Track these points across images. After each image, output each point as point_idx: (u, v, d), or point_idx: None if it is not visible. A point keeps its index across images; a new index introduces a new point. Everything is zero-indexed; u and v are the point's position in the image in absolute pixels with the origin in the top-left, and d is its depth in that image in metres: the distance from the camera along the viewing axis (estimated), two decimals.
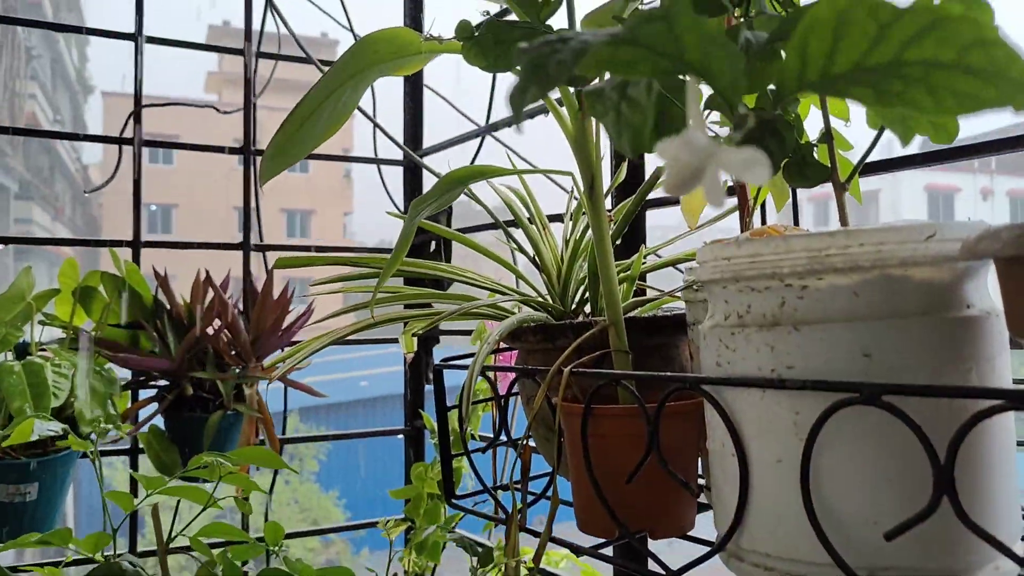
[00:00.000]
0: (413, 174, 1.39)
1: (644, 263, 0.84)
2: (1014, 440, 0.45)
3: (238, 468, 0.67)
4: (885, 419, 0.40)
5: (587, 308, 0.77)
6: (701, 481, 0.67)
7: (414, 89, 1.37)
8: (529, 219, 0.81)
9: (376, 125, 1.26)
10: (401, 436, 1.39)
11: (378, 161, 1.42)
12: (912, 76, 0.26)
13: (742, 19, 0.42)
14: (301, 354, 0.73)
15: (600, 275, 0.62)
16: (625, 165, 0.83)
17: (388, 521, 0.97)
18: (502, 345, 0.80)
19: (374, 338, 1.31)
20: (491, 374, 0.74)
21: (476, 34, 0.55)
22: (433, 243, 1.30)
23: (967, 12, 0.24)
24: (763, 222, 0.76)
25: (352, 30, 1.44)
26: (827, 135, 0.54)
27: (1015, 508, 0.45)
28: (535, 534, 0.64)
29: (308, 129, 0.65)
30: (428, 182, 1.38)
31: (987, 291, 0.45)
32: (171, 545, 0.90)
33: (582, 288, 0.76)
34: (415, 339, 1.06)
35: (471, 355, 0.76)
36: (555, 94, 0.63)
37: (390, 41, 0.63)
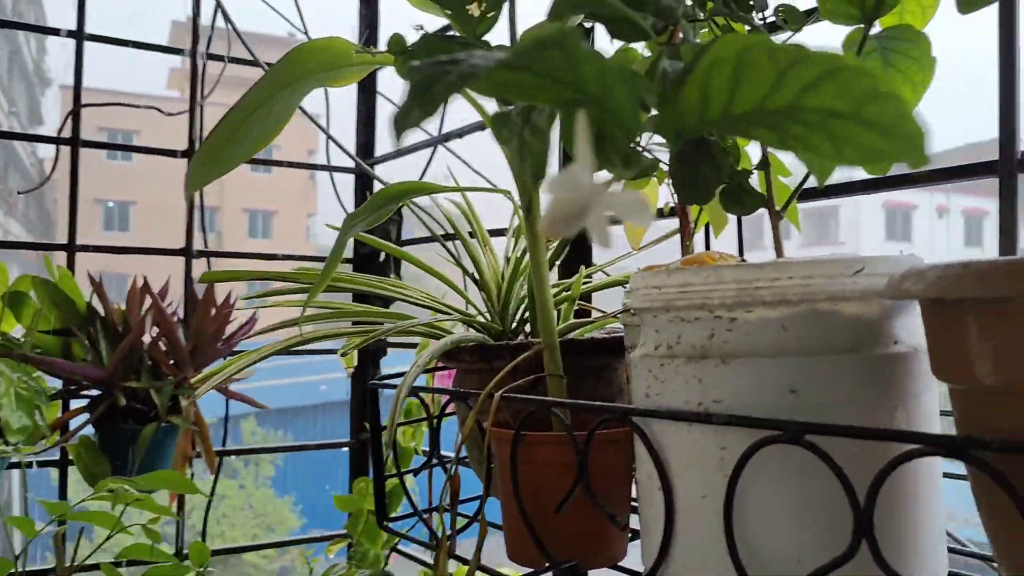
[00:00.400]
0: (364, 182, 1.37)
1: (589, 282, 0.83)
2: (939, 479, 0.45)
3: (145, 496, 0.64)
4: (809, 458, 0.39)
5: (528, 328, 0.75)
6: (636, 504, 0.66)
7: (367, 96, 1.35)
8: (471, 234, 0.79)
9: (328, 135, 1.24)
10: (346, 449, 1.37)
11: (330, 168, 1.39)
12: (812, 122, 0.25)
13: (665, 47, 0.41)
14: (235, 366, 0.70)
15: (536, 298, 0.60)
16: None
17: (309, 552, 0.95)
18: (442, 364, 0.78)
19: (321, 349, 1.28)
20: (425, 394, 0.72)
21: (410, 49, 0.53)
22: (383, 253, 1.28)
23: (861, 64, 0.23)
24: (707, 246, 0.75)
25: (306, 32, 1.42)
26: (764, 161, 0.53)
27: (939, 548, 0.45)
28: (464, 561, 0.62)
29: (239, 140, 0.63)
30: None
31: (915, 327, 0.45)
32: (102, 563, 0.87)
33: (522, 307, 0.74)
34: (356, 352, 1.03)
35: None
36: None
37: (324, 51, 0.61)
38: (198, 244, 1.25)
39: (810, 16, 0.55)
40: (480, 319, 0.74)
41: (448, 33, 0.60)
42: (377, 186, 1.34)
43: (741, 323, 0.44)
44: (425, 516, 0.68)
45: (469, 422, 0.59)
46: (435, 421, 0.66)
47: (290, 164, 1.41)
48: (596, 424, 0.50)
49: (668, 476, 0.46)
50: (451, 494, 0.61)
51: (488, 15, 0.52)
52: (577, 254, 0.87)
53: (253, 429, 10.26)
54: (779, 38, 0.57)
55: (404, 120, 0.24)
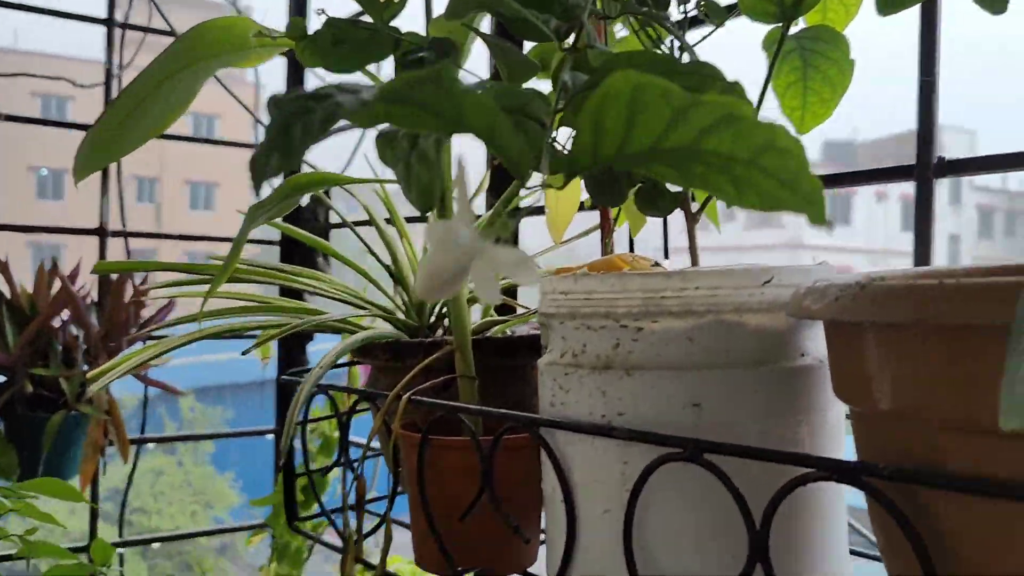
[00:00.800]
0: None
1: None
2: (842, 495, 0.44)
3: (21, 503, 0.60)
4: (709, 476, 0.38)
5: (447, 323, 0.73)
6: None
7: (295, 69, 1.30)
8: (388, 221, 0.76)
9: (253, 115, 1.19)
10: (271, 436, 1.33)
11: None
12: (715, 164, 0.23)
13: (569, 52, 0.38)
14: (130, 364, 0.67)
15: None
16: (489, 172, 0.80)
17: (207, 560, 0.92)
18: (356, 360, 0.75)
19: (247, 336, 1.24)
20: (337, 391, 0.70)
21: (311, 35, 0.50)
22: None
23: (755, 113, 0.22)
24: (631, 243, 0.73)
25: (235, 4, 1.36)
26: None
27: (843, 564, 0.44)
28: (371, 567, 0.60)
29: (135, 123, 0.59)
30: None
31: (823, 338, 0.44)
32: None
33: (440, 303, 0.72)
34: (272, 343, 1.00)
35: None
36: None
37: (227, 31, 0.58)
38: (115, 224, 1.20)
39: (732, 11, 0.53)
40: (399, 314, 0.71)
41: (359, 17, 0.57)
42: (306, 168, 1.29)
43: (647, 333, 0.42)
44: (336, 516, 0.66)
45: (376, 424, 0.57)
46: (344, 419, 0.63)
47: (216, 142, 1.36)
48: (501, 432, 0.49)
49: (571, 488, 0.45)
50: (357, 497, 0.59)
51: (395, 0, 0.50)
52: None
53: (192, 404, 10.04)
54: (701, 32, 0.55)
55: (263, 168, 0.21)
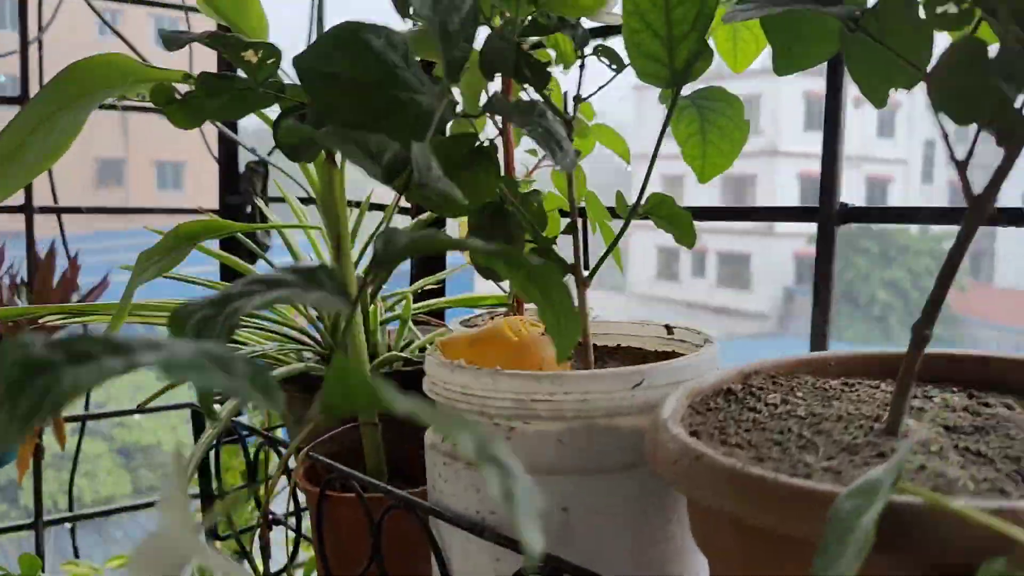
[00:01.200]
0: (228, 142, 1.28)
1: (441, 291, 0.80)
2: None
3: None
4: None
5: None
6: None
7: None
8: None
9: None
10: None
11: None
12: None
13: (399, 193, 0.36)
14: None
15: (347, 341, 0.57)
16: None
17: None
18: None
19: None
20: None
21: (179, 98, 0.47)
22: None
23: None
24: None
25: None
26: (572, 226, 0.50)
27: None
28: None
29: (18, 162, 0.57)
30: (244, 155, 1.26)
31: None
32: None
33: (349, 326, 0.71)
34: None
35: None
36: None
37: (107, 68, 0.55)
38: (42, 199, 1.16)
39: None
40: (316, 345, 0.70)
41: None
42: (242, 151, 1.25)
43: (519, 434, 0.42)
44: (243, 546, 0.67)
45: (276, 476, 0.57)
46: (251, 457, 0.64)
47: (152, 110, 1.30)
48: (386, 509, 0.49)
49: (449, 571, 0.45)
50: (261, 544, 0.59)
51: (267, 62, 0.47)
52: (431, 261, 0.83)
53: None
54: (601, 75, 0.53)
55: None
